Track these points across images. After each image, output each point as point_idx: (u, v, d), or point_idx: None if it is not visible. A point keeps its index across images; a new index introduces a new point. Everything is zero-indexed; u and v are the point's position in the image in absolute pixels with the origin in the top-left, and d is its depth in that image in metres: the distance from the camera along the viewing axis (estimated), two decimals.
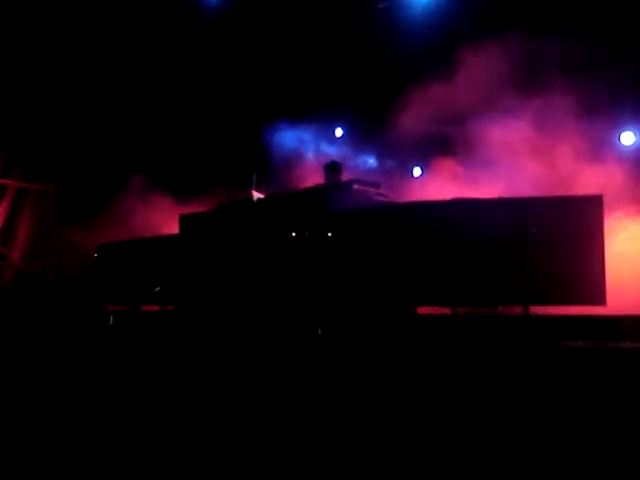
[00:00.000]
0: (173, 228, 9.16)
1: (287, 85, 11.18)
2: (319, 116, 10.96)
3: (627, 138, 8.39)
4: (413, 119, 9.24)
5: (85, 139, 12.58)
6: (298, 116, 11.13)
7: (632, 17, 7.90)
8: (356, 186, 7.62)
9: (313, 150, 11.36)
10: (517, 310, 6.23)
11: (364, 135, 10.60)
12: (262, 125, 11.47)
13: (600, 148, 7.98)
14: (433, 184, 9.14)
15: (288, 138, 11.46)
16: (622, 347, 4.92)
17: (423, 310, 6.90)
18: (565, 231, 5.95)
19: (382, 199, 7.71)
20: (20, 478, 3.19)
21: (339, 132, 11.55)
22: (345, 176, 8.11)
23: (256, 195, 8.51)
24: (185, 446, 3.62)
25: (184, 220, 9.01)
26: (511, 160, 8.41)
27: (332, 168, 8.06)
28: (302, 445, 3.61)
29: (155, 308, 9.21)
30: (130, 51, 11.95)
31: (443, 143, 9.36)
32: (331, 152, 10.83)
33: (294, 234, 7.54)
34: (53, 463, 3.36)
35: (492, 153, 8.70)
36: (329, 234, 7.26)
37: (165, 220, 10.51)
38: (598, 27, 7.89)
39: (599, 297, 5.80)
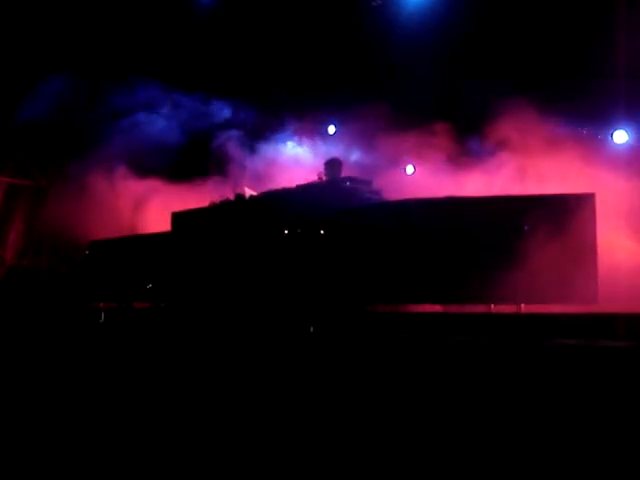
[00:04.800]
0: None
1: (280, 83, 11.15)
2: (311, 113, 10.95)
3: (619, 137, 8.40)
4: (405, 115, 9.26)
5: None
6: (289, 113, 11.15)
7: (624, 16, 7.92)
8: (348, 184, 7.63)
9: (305, 147, 11.37)
10: (509, 308, 6.24)
11: (356, 132, 10.57)
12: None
13: (592, 146, 7.99)
14: (426, 181, 9.13)
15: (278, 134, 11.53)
16: (613, 345, 4.93)
17: (416, 308, 6.91)
18: (557, 229, 5.96)
19: (374, 197, 7.71)
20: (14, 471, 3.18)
21: (332, 129, 11.50)
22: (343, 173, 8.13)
23: (248, 192, 8.49)
24: (176, 438, 3.61)
25: (176, 217, 8.99)
26: (505, 158, 8.43)
27: (332, 165, 8.06)
28: (295, 438, 3.61)
29: (147, 305, 9.19)
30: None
31: (438, 139, 9.36)
32: (324, 149, 10.81)
33: (286, 231, 7.53)
34: (44, 455, 3.35)
35: (487, 151, 8.73)
36: (321, 232, 7.25)
37: None
38: (589, 26, 7.91)
39: (591, 296, 5.82)
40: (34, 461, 3.32)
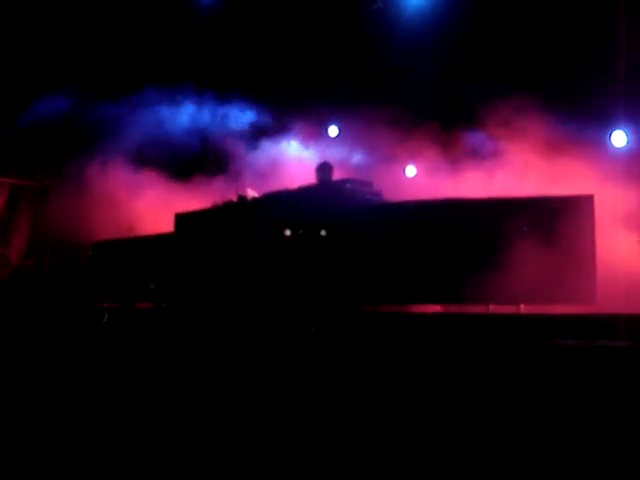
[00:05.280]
0: None
1: (283, 84, 11.20)
2: (313, 115, 10.98)
3: (618, 138, 8.40)
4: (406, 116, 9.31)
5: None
6: (292, 113, 11.19)
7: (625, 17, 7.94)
8: (349, 186, 7.66)
9: (308, 148, 11.40)
10: (508, 309, 6.27)
11: (358, 133, 10.61)
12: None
13: (592, 148, 8.02)
14: (426, 183, 9.17)
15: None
16: (612, 346, 4.96)
17: (416, 308, 6.94)
18: (556, 231, 5.99)
19: (375, 198, 7.74)
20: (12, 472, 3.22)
21: (333, 131, 11.51)
22: (338, 175, 8.15)
23: (251, 194, 8.53)
24: (177, 437, 3.65)
25: (179, 219, 9.03)
26: (504, 159, 8.46)
27: (323, 169, 8.10)
28: (295, 438, 3.65)
29: (149, 305, 9.24)
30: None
31: (438, 140, 9.40)
32: (327, 151, 10.84)
33: (288, 233, 7.57)
34: (45, 454, 3.38)
35: (486, 152, 8.76)
36: (322, 233, 7.29)
37: None
38: (589, 25, 7.95)
39: (590, 296, 5.85)
40: (36, 461, 3.37)
